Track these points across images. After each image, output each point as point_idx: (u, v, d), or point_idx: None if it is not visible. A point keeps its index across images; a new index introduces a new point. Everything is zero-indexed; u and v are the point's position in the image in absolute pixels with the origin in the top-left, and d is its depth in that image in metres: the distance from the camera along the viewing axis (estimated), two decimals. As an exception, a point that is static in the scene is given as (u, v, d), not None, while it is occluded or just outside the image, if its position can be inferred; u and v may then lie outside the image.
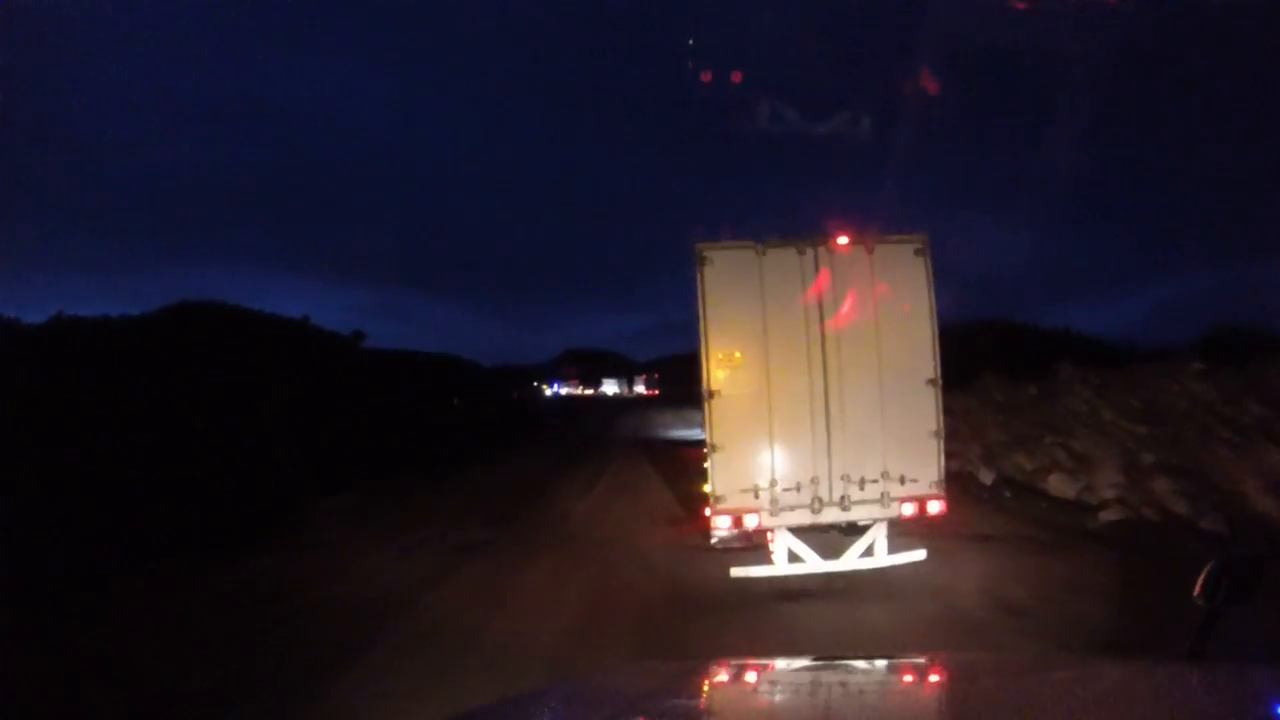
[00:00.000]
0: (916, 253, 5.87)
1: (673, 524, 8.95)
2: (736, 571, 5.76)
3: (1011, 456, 11.75)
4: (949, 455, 13.40)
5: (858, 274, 5.79)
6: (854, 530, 6.01)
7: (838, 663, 1.76)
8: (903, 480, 5.69)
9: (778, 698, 1.50)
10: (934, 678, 1.61)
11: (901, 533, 6.16)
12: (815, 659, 1.80)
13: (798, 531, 5.83)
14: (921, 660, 1.82)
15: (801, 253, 5.79)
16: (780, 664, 1.76)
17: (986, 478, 11.50)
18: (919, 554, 5.86)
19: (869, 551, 5.86)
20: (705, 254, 5.77)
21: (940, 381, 5.84)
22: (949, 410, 15.54)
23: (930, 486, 5.73)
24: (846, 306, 5.78)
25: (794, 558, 5.81)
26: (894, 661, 1.76)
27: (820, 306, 5.75)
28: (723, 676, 1.62)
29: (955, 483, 11.41)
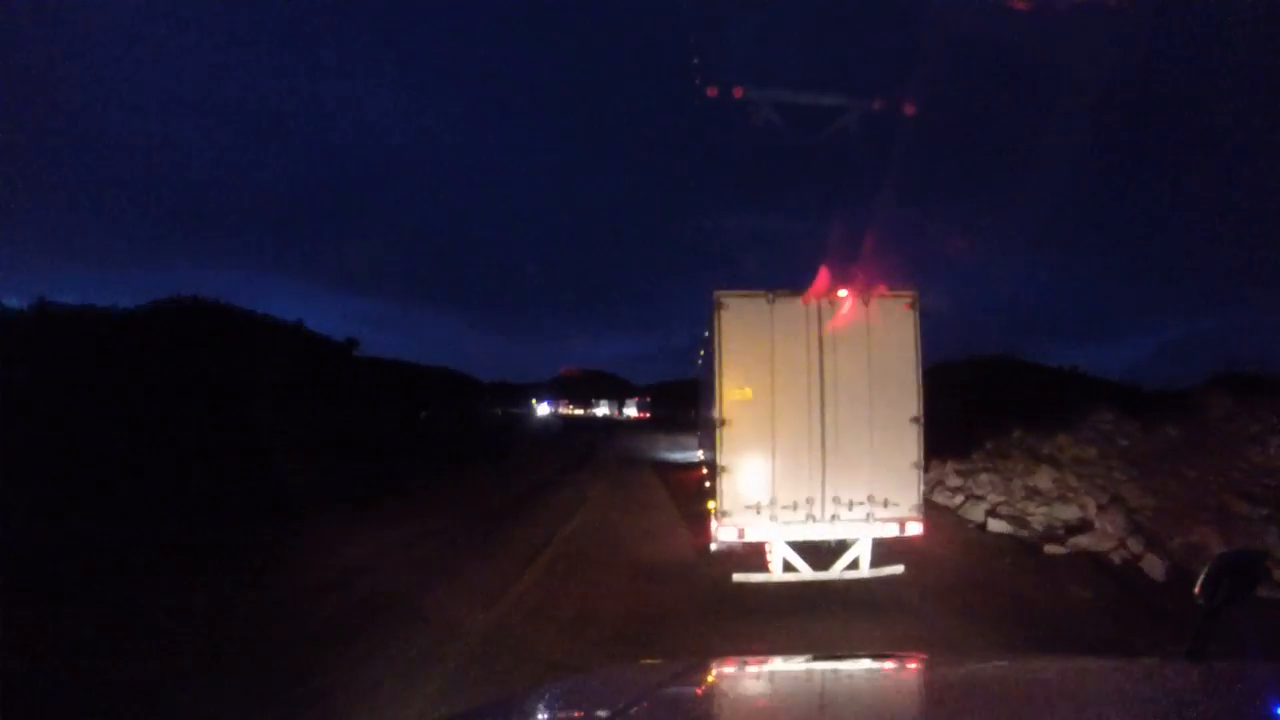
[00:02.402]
0: (907, 306, 6.31)
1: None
2: (738, 577, 6.32)
3: (1182, 533, 7.36)
4: (1078, 528, 8.81)
5: (855, 322, 6.23)
6: (842, 546, 6.47)
7: (836, 662, 1.68)
8: (886, 504, 6.19)
9: (776, 696, 1.47)
10: (932, 678, 1.54)
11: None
12: (814, 658, 1.69)
13: (793, 544, 6.33)
14: (920, 660, 1.74)
15: (806, 302, 6.25)
16: (779, 663, 1.70)
17: (1155, 569, 7.12)
18: (897, 568, 6.41)
19: (854, 564, 6.35)
20: (722, 300, 6.27)
21: (923, 420, 6.27)
22: (1054, 461, 10.64)
23: (910, 510, 6.25)
24: (843, 351, 6.23)
25: (789, 567, 6.32)
26: (892, 661, 1.64)
27: (820, 350, 6.21)
28: (721, 675, 1.57)
29: (1111, 580, 7.08)
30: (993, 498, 10.57)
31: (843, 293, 6.27)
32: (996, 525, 9.41)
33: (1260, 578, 1.53)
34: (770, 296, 6.24)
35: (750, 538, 6.24)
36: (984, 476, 11.43)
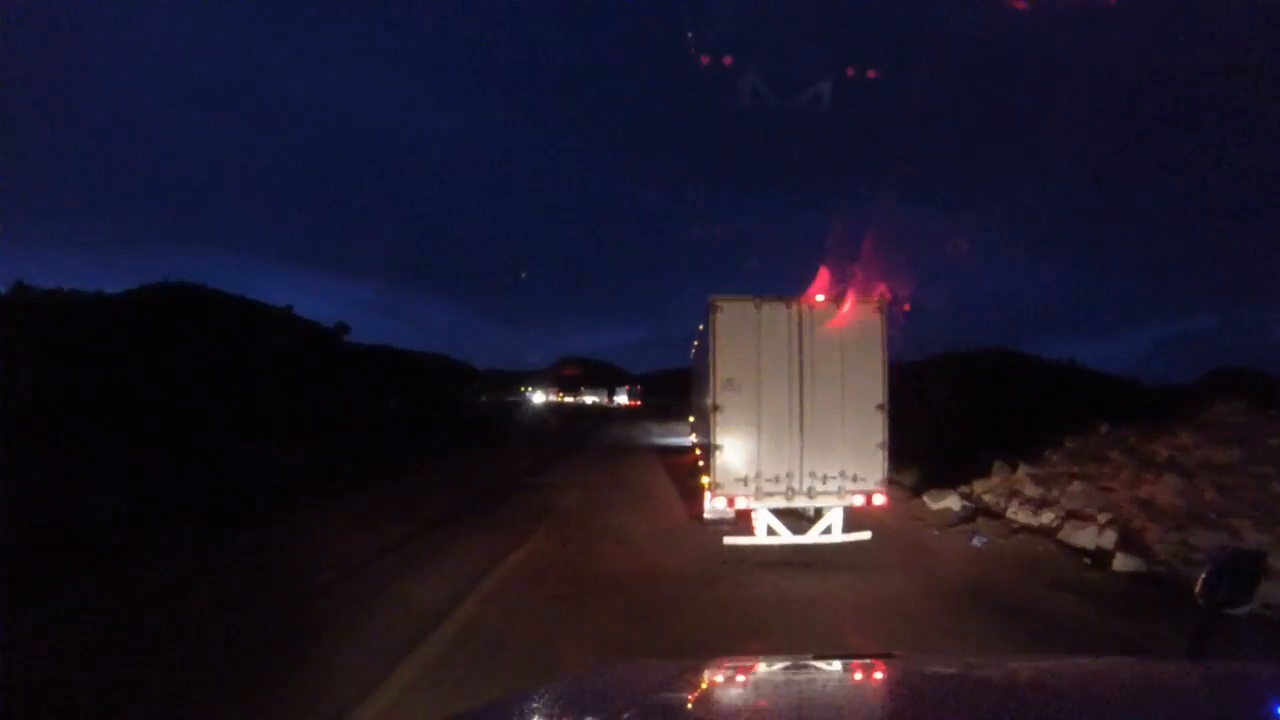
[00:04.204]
0: (876, 310, 6.94)
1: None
2: (729, 540, 6.90)
3: None
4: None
5: (829, 324, 6.87)
6: (818, 514, 7.11)
7: (838, 661, 1.63)
8: (855, 478, 6.80)
9: (778, 696, 1.44)
10: (937, 677, 1.47)
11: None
12: (816, 658, 1.63)
13: (775, 512, 6.95)
14: (923, 659, 1.76)
15: (788, 306, 6.90)
16: (780, 663, 1.64)
17: None
18: (865, 534, 6.96)
19: (828, 530, 6.93)
20: (717, 304, 6.95)
21: (887, 407, 6.84)
22: (1179, 467, 8.33)
23: (876, 484, 6.83)
24: (819, 348, 6.85)
25: (771, 532, 6.92)
26: (895, 660, 1.57)
27: (800, 347, 6.85)
28: (722, 675, 1.53)
29: None
30: (1097, 515, 7.58)
31: (819, 298, 6.93)
32: (1128, 562, 6.37)
33: (1260, 578, 1.51)
34: (757, 301, 6.91)
35: (739, 507, 6.91)
36: (1076, 486, 8.43)
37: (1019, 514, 8.22)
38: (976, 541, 7.38)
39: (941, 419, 18.01)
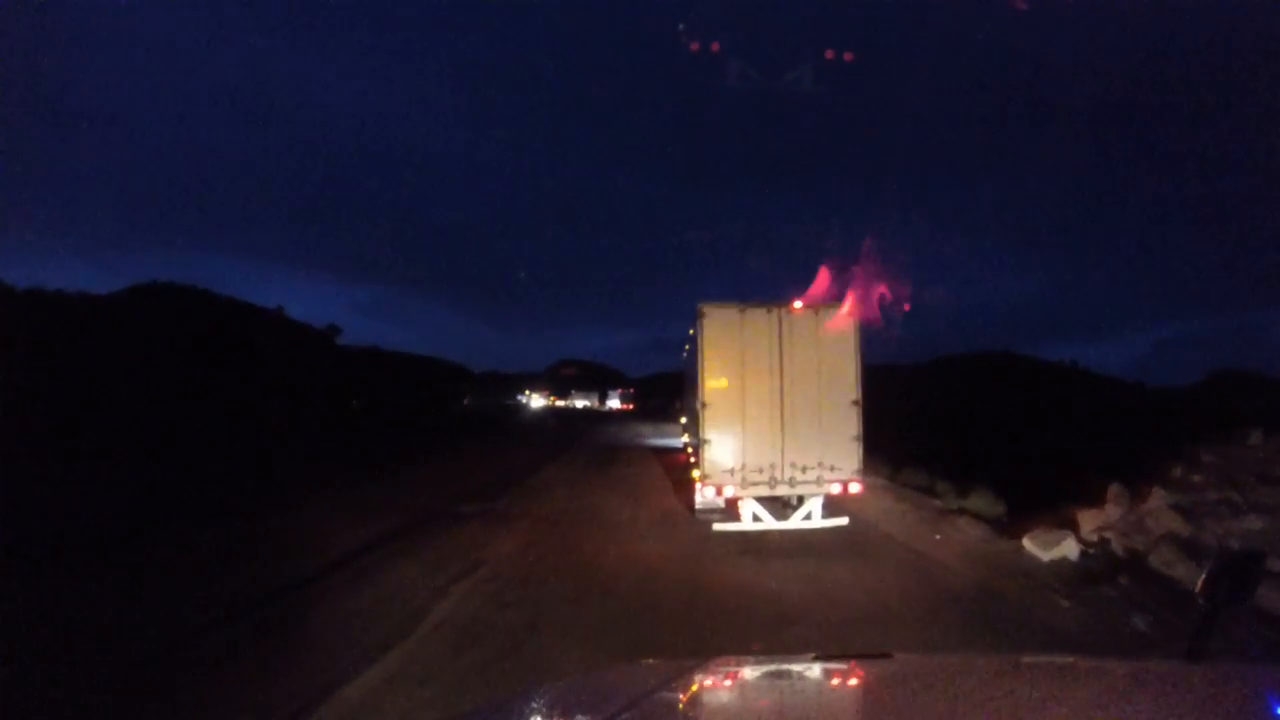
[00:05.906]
0: (849, 314, 7.36)
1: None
2: (718, 527, 7.38)
3: None
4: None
5: (807, 328, 7.37)
6: (799, 502, 7.48)
7: (838, 661, 1.56)
8: (832, 468, 7.22)
9: (777, 696, 1.41)
10: (936, 676, 1.42)
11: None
12: (815, 657, 1.52)
13: (760, 500, 7.41)
14: (922, 660, 1.70)
15: (770, 312, 7.39)
16: (779, 663, 1.60)
17: None
18: (842, 520, 7.40)
19: (808, 516, 7.36)
20: (704, 310, 7.45)
21: (861, 403, 7.28)
22: None
23: (851, 474, 7.25)
24: (799, 350, 7.32)
25: (756, 519, 7.40)
26: (895, 660, 1.51)
27: (780, 349, 7.33)
28: (721, 675, 1.48)
29: None
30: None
31: (798, 304, 7.39)
32: None
33: (1260, 578, 1.48)
34: (741, 308, 7.41)
35: (726, 495, 7.38)
36: (1253, 523, 5.69)
37: (1177, 568, 5.43)
38: (1139, 622, 4.59)
39: (987, 428, 15.40)
